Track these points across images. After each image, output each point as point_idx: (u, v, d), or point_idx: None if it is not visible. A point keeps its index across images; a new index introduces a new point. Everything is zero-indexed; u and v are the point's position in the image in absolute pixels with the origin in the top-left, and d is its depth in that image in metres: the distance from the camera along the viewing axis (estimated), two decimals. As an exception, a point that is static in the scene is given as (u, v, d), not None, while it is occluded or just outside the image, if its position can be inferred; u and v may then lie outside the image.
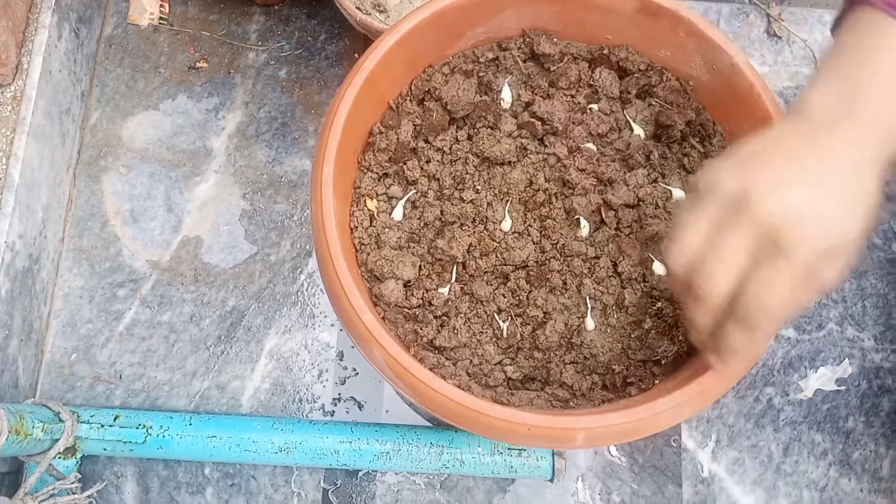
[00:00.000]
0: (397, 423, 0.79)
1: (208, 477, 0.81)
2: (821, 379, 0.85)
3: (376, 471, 0.81)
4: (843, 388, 0.85)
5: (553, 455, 0.75)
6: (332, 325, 0.86)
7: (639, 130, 0.64)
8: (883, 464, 0.83)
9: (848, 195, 0.40)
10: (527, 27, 0.66)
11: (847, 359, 0.86)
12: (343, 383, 0.84)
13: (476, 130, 0.64)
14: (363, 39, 0.97)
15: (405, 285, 0.60)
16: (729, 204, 0.40)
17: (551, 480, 0.76)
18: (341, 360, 0.85)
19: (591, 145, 0.63)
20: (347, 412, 0.83)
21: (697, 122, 0.64)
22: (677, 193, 0.62)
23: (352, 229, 0.61)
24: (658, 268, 0.60)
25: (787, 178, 0.40)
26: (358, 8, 0.82)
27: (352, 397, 0.84)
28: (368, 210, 0.62)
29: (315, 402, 0.84)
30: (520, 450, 0.75)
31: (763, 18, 1.01)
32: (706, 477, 0.82)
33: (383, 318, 0.58)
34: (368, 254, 0.60)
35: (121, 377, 0.84)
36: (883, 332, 0.88)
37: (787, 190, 0.39)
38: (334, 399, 0.84)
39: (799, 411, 0.84)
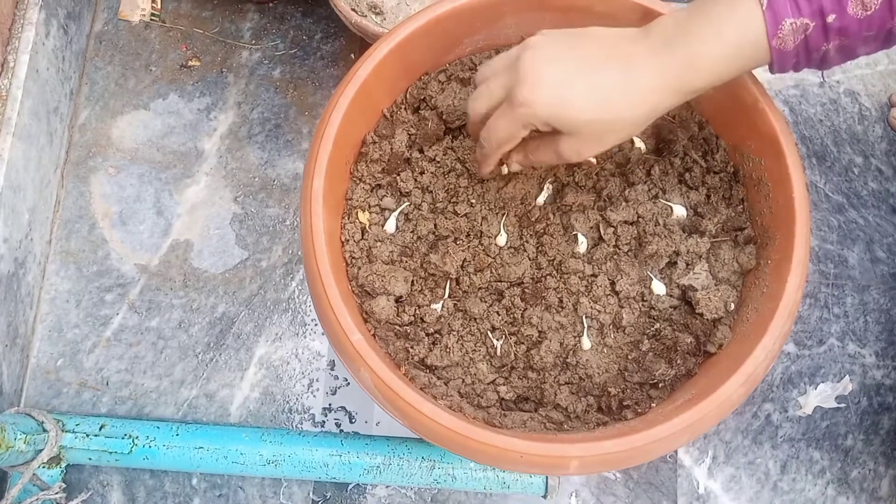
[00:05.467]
0: (388, 436, 0.77)
1: (195, 487, 0.79)
2: (820, 396, 0.83)
3: (366, 484, 0.80)
4: (842, 405, 0.84)
5: (547, 471, 0.74)
6: (323, 333, 0.84)
7: (640, 144, 0.62)
8: (882, 483, 0.82)
9: (604, 91, 0.45)
10: (526, 35, 0.64)
11: (847, 375, 0.85)
12: (334, 393, 0.83)
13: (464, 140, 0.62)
14: (360, 40, 0.95)
15: (397, 301, 0.58)
16: (514, 58, 0.48)
17: (544, 497, 0.74)
18: (332, 369, 0.83)
19: (591, 158, 0.61)
20: (338, 423, 0.82)
21: (700, 136, 0.62)
22: (678, 210, 0.60)
23: (342, 242, 0.59)
24: (657, 287, 0.59)
25: (560, 56, 0.46)
26: (353, 9, 0.80)
27: (342, 408, 0.82)
28: (360, 223, 0.60)
29: (305, 412, 0.82)
30: (513, 466, 0.74)
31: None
32: (702, 494, 0.80)
33: (373, 335, 0.57)
34: (359, 268, 0.58)
35: (108, 384, 0.82)
36: (885, 348, 0.86)
37: (549, 65, 0.46)
38: (324, 409, 0.82)
39: (797, 428, 0.83)
